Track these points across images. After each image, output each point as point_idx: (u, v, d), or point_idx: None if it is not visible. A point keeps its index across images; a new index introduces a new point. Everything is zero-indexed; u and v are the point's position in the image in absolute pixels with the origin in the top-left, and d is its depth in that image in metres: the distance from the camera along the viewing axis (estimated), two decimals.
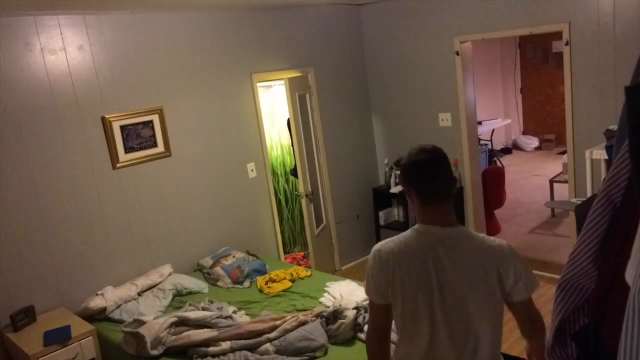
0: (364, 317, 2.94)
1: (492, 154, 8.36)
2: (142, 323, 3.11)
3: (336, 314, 2.97)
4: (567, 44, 4.10)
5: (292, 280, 3.82)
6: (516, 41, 9.20)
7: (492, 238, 1.72)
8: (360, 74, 5.48)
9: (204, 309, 3.36)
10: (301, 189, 4.77)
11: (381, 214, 5.44)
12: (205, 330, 3.07)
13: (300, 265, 4.68)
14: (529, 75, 9.36)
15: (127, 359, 3.05)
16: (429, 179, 1.71)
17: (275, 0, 4.27)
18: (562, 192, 5.87)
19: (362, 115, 5.53)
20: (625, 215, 1.04)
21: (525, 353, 1.85)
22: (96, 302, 3.46)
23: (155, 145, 3.93)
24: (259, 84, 4.64)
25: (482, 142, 7.51)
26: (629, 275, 0.94)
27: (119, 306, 3.49)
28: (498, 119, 8.81)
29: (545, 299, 4.31)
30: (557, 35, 4.28)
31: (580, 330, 1.15)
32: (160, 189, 3.99)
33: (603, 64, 3.95)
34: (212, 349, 2.92)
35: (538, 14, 4.19)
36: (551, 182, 6.17)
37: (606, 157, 3.46)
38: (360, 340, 2.88)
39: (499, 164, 8.19)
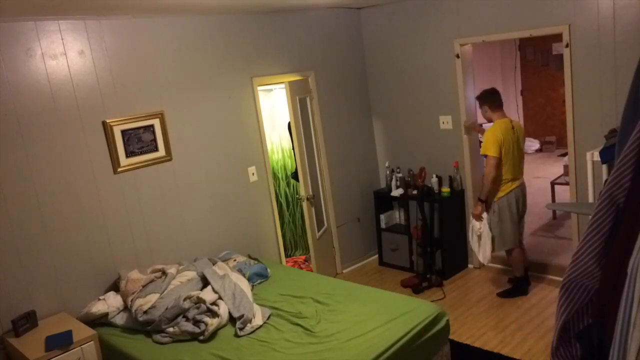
0: None
1: None
2: None
3: None
4: (567, 46, 4.10)
5: None
6: (516, 43, 9.21)
7: None
8: (361, 77, 5.49)
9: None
10: (302, 193, 4.77)
11: (382, 217, 5.43)
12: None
13: (301, 268, 4.67)
14: (529, 77, 9.37)
15: None
16: None
17: (276, 5, 4.28)
18: (564, 194, 5.86)
19: (362, 118, 5.53)
20: (628, 216, 1.04)
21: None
22: (98, 307, 3.45)
23: (156, 149, 3.94)
24: (259, 88, 4.65)
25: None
26: (629, 268, 0.95)
27: (120, 311, 3.49)
28: None
29: (548, 301, 4.31)
30: (557, 38, 4.29)
31: (585, 330, 1.15)
32: (162, 193, 3.99)
33: (603, 65, 3.95)
34: None
35: (538, 16, 4.20)
36: (552, 184, 6.17)
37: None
38: None
39: None
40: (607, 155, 3.38)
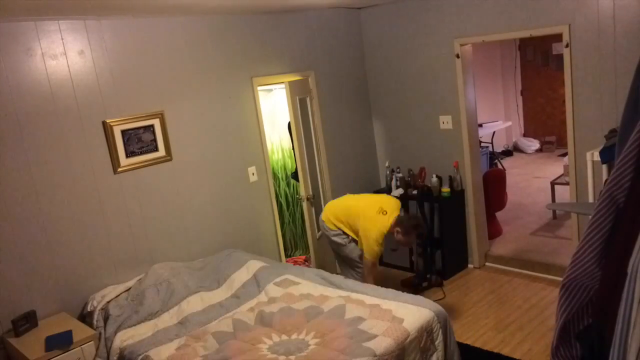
0: None
1: (493, 157, 8.36)
2: None
3: None
4: (567, 46, 4.10)
5: None
6: (516, 43, 9.21)
7: None
8: (361, 77, 5.49)
9: None
10: (302, 193, 4.77)
11: None
12: None
13: None
14: (529, 77, 9.37)
15: None
16: None
17: (276, 5, 4.28)
18: (564, 194, 5.86)
19: (362, 118, 5.53)
20: (628, 216, 1.04)
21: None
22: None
23: (156, 149, 3.94)
24: (259, 88, 4.65)
25: (483, 144, 7.51)
26: (629, 268, 0.95)
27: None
28: (499, 121, 8.82)
29: (548, 301, 4.31)
30: (557, 37, 4.29)
31: (585, 330, 1.15)
32: (162, 193, 3.99)
33: (603, 65, 3.95)
34: None
35: (538, 16, 4.20)
36: (552, 184, 6.17)
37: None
38: None
39: (500, 166, 8.19)
40: (607, 155, 3.38)
